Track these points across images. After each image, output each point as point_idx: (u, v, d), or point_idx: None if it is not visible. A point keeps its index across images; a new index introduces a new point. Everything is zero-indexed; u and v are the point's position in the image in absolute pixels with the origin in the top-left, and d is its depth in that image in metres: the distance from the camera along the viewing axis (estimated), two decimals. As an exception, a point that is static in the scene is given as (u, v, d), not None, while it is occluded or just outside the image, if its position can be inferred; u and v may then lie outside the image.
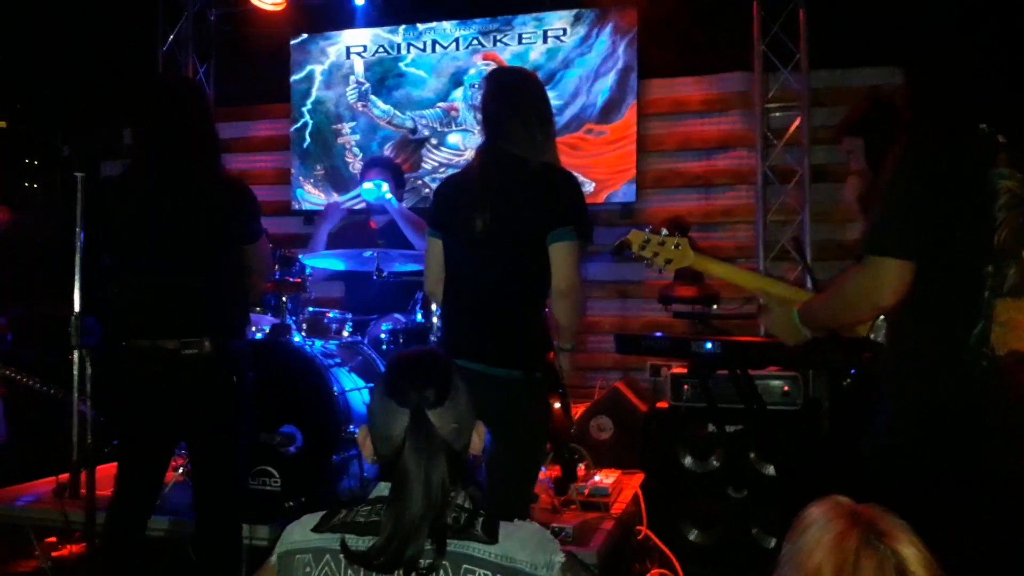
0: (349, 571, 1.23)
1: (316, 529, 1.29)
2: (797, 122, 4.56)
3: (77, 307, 2.80)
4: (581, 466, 3.30)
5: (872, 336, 2.10)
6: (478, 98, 2.60)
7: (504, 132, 2.35)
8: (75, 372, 2.93)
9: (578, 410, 3.84)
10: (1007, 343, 1.55)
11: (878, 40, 4.12)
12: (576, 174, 2.46)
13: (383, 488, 1.30)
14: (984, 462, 1.58)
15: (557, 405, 2.78)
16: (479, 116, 2.45)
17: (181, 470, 3.14)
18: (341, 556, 1.24)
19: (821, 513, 1.11)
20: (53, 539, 3.09)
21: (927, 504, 1.55)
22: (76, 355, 2.90)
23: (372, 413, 1.35)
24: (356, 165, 5.25)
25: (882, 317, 1.88)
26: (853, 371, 2.44)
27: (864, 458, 1.72)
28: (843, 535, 1.06)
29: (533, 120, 2.37)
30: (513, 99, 2.40)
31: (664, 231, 2.19)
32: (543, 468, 3.00)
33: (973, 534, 1.55)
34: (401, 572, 1.20)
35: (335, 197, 5.22)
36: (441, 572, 1.20)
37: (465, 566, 1.21)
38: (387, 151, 5.28)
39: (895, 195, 1.63)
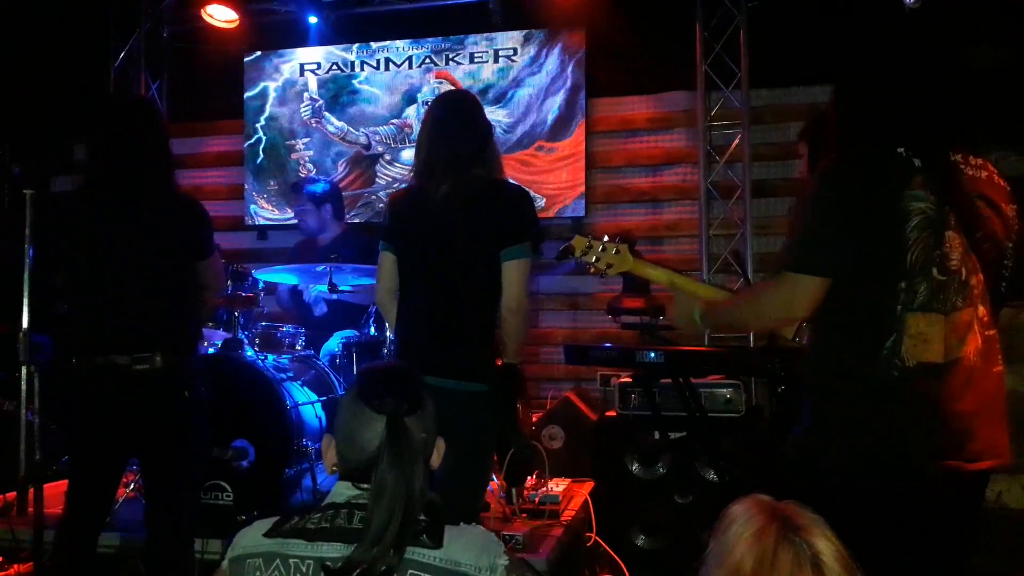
0: (298, 575, 1.26)
1: (268, 534, 1.31)
2: (738, 139, 4.72)
3: (25, 324, 2.79)
4: (532, 477, 3.37)
5: (796, 340, 2.22)
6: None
7: (457, 149, 2.39)
8: (23, 389, 2.91)
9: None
10: (916, 355, 1.63)
11: (817, 60, 4.26)
12: (527, 189, 2.54)
13: (336, 495, 1.32)
14: (894, 467, 1.66)
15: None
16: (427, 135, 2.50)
17: (132, 486, 3.13)
18: (291, 560, 1.27)
19: (743, 510, 1.17)
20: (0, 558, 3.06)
21: (842, 507, 1.65)
22: (24, 372, 2.88)
23: (342, 420, 1.37)
24: (310, 180, 5.30)
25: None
26: (782, 375, 2.54)
27: (788, 462, 1.82)
28: (762, 530, 1.12)
29: (482, 137, 2.45)
30: (462, 118, 2.46)
31: (606, 237, 2.29)
32: (493, 477, 3.07)
33: (885, 535, 1.65)
34: None
35: (288, 212, 5.24)
36: None
37: (411, 571, 1.24)
38: (341, 167, 5.33)
39: (812, 215, 1.72)
